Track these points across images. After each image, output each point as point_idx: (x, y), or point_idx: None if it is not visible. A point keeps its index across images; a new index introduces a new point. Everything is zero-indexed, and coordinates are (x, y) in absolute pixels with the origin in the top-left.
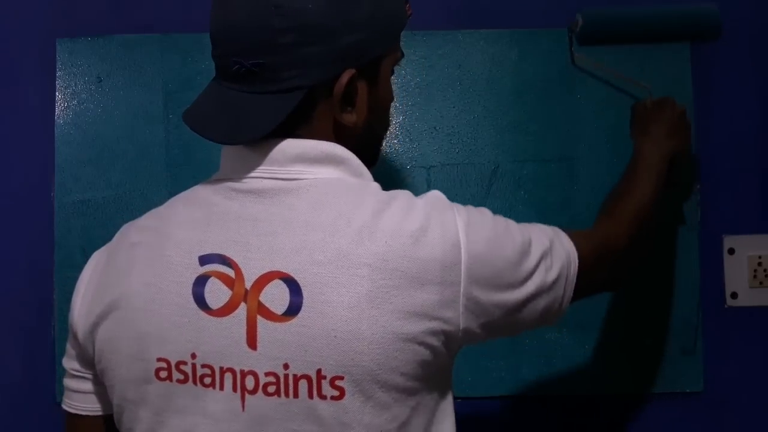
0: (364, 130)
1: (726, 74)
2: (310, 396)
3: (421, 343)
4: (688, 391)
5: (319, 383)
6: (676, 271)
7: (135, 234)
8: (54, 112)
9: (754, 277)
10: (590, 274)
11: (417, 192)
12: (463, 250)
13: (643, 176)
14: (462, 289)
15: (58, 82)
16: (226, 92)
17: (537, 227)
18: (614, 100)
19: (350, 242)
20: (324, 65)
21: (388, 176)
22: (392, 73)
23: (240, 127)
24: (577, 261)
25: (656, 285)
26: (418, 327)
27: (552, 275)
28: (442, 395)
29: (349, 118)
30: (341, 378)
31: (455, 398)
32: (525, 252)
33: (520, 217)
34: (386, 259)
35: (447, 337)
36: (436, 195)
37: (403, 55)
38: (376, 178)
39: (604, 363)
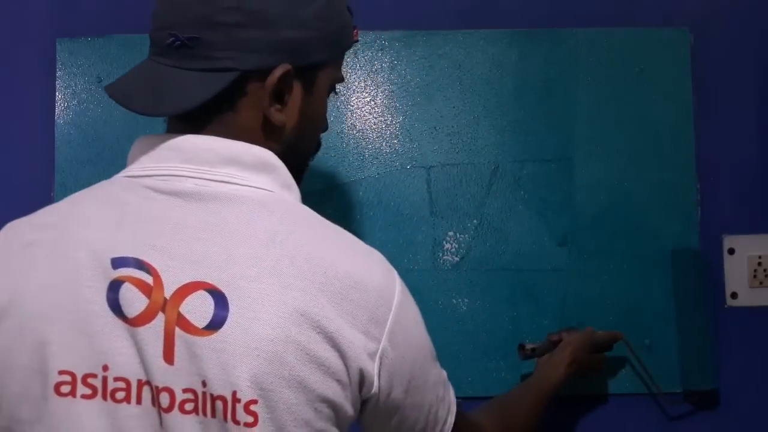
0: (291, 138)
1: (727, 74)
2: (225, 419)
3: (339, 381)
4: None
5: (234, 407)
6: (676, 271)
7: (30, 232)
8: (54, 112)
9: (754, 277)
10: None
11: (417, 192)
12: (392, 312)
13: (530, 404)
14: (381, 347)
15: (58, 82)
16: (157, 67)
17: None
18: (614, 100)
19: (287, 263)
20: (261, 52)
21: (389, 176)
22: (329, 93)
23: (165, 99)
24: (455, 415)
25: (656, 284)
26: (339, 364)
27: (440, 412)
28: None
29: (278, 116)
30: (255, 402)
31: (457, 398)
32: (435, 358)
33: (520, 217)
34: (322, 289)
35: (365, 386)
36: (384, 260)
37: (342, 79)
38: (377, 177)
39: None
